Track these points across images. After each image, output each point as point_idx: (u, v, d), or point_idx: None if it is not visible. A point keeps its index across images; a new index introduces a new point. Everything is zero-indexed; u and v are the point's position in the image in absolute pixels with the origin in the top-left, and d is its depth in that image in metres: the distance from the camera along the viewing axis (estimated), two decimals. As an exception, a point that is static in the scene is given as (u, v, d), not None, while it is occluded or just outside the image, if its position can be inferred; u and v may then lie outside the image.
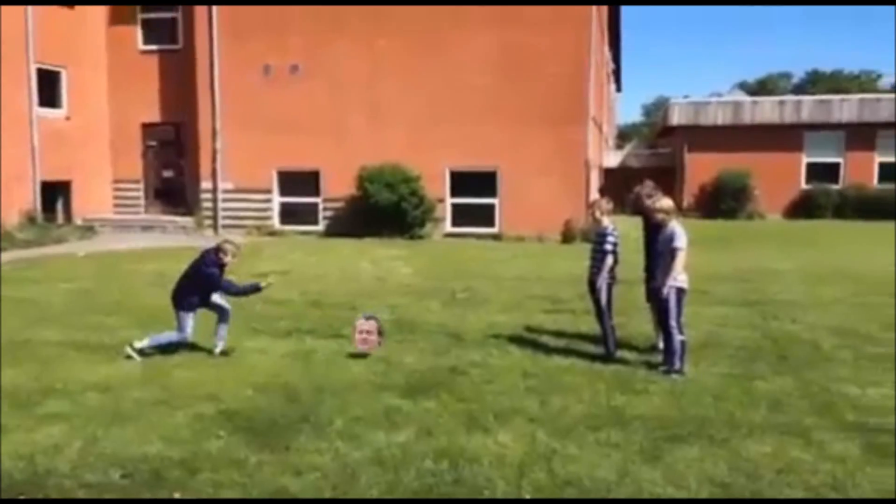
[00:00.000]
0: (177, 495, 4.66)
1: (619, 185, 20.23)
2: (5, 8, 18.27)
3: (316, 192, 20.63)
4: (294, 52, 20.02)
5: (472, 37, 19.17)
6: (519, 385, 6.74)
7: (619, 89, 49.50)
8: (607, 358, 7.56)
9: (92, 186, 21.38)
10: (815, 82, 70.33)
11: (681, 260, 7.05)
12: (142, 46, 21.76)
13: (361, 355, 7.61)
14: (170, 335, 7.70)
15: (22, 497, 4.65)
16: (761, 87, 70.19)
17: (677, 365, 7.06)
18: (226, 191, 20.87)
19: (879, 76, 72.53)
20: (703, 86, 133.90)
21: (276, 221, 20.91)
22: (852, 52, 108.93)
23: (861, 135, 28.22)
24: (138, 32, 21.76)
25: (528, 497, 4.65)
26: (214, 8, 20.28)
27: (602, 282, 7.58)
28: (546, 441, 5.42)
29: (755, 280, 12.65)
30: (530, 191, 18.89)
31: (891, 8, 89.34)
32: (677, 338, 7.07)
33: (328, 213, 20.57)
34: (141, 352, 7.52)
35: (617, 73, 43.60)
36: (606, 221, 7.64)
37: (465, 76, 19.29)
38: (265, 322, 9.18)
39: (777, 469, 4.98)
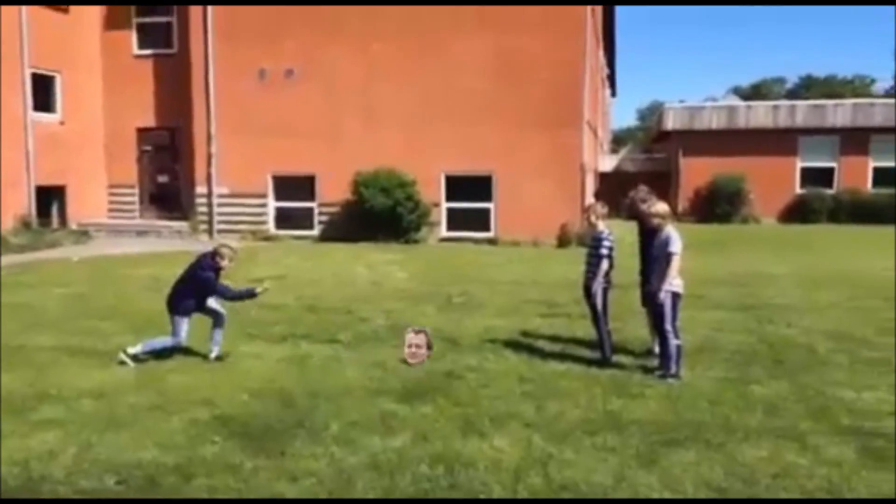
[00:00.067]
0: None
1: (614, 190, 20.32)
2: (-1, 12, 18.26)
3: (311, 197, 20.61)
4: (289, 57, 20.01)
5: (467, 41, 19.20)
6: (515, 390, 6.73)
7: (613, 94, 49.63)
8: (603, 362, 7.55)
9: (87, 191, 21.34)
10: (808, 87, 70.57)
11: (675, 264, 7.06)
12: (136, 51, 21.75)
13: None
14: (164, 340, 7.67)
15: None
16: (755, 92, 70.42)
17: (673, 369, 7.06)
18: (221, 195, 20.84)
19: (873, 81, 72.92)
20: (698, 90, 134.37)
21: (271, 226, 20.88)
22: (846, 57, 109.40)
23: (855, 139, 28.34)
24: (133, 37, 21.75)
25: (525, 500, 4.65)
26: (209, 12, 20.27)
27: (598, 286, 7.57)
28: (542, 446, 5.41)
29: (750, 284, 12.67)
30: (526, 195, 18.90)
31: (885, 12, 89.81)
32: (673, 342, 7.07)
33: (323, 218, 20.56)
34: (135, 357, 7.49)
35: (612, 78, 43.71)
36: (602, 226, 7.64)
37: (460, 80, 19.31)
38: (260, 327, 9.16)
39: (773, 473, 4.98)
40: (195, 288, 7.63)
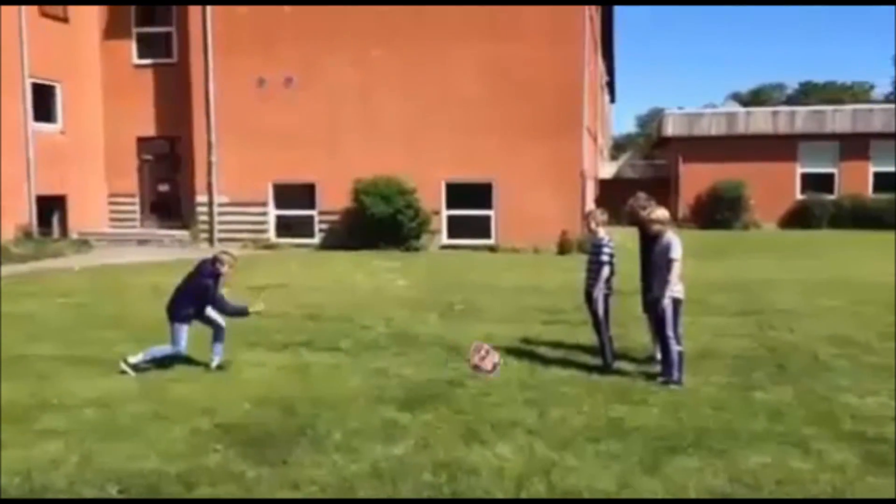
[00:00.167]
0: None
1: (614, 196, 20.29)
2: None
3: (311, 205, 20.64)
4: (288, 65, 20.06)
5: (466, 48, 19.24)
6: (517, 397, 6.71)
7: (613, 100, 49.70)
8: (605, 369, 7.54)
9: (87, 201, 21.36)
10: (808, 93, 70.65)
11: (676, 270, 7.06)
12: (136, 60, 21.80)
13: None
14: (164, 349, 7.65)
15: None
16: (755, 98, 70.50)
17: (675, 375, 7.05)
18: (221, 204, 20.86)
19: (872, 87, 72.96)
20: (697, 97, 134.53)
21: (271, 234, 20.90)
22: (845, 63, 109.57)
23: (855, 145, 28.38)
24: (133, 46, 21.80)
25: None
26: (209, 22, 20.33)
27: (598, 293, 7.57)
28: (545, 453, 5.40)
29: (752, 290, 12.66)
30: (526, 202, 18.92)
31: (885, 19, 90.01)
32: (675, 348, 7.06)
33: (324, 226, 20.58)
34: (135, 367, 7.47)
35: (611, 85, 43.78)
36: (602, 232, 7.64)
37: (460, 88, 19.35)
38: (261, 335, 9.15)
39: (776, 479, 4.97)
40: (194, 295, 7.62)
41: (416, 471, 5.10)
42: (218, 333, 7.74)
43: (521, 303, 11.51)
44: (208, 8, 20.32)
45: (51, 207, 20.33)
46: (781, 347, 8.58)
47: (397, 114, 19.62)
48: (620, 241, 8.20)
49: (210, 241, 20.59)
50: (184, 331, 7.61)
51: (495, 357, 7.50)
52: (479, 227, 19.87)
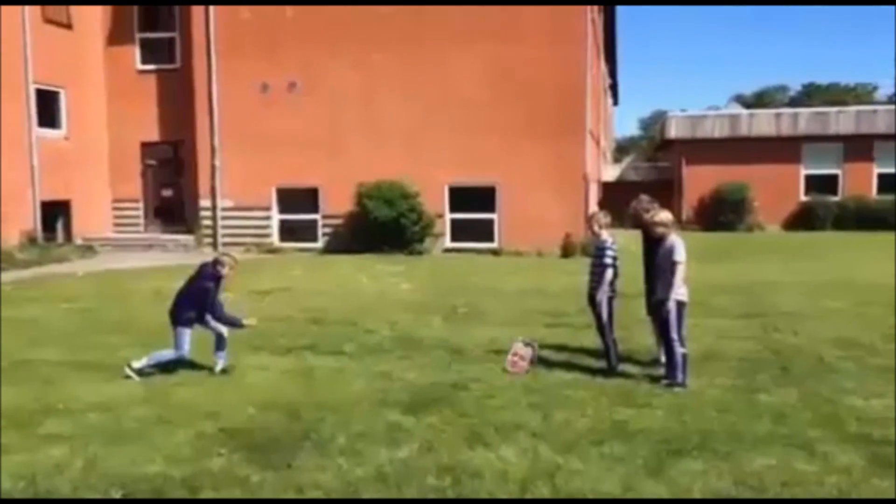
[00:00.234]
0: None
1: (617, 199, 20.27)
2: (3, 28, 18.34)
3: (315, 209, 20.66)
4: (291, 70, 20.10)
5: (469, 51, 19.26)
6: (521, 400, 6.71)
7: (616, 103, 49.69)
8: (609, 372, 7.53)
9: (91, 206, 21.41)
10: (811, 95, 70.59)
11: (681, 273, 7.05)
12: (140, 66, 21.86)
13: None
14: (167, 353, 7.66)
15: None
16: (758, 100, 70.45)
17: (679, 378, 7.04)
18: (225, 208, 20.90)
19: (876, 88, 72.86)
20: (700, 99, 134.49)
21: (275, 238, 20.93)
22: (848, 64, 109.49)
23: (859, 146, 28.33)
24: (136, 52, 21.86)
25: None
26: (212, 26, 20.38)
27: (602, 295, 7.56)
28: (549, 456, 5.39)
29: (756, 292, 12.64)
30: (529, 205, 18.92)
31: (887, 20, 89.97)
32: (679, 351, 7.05)
33: (327, 230, 20.60)
34: (140, 372, 7.48)
35: (614, 88, 43.78)
36: (605, 235, 7.64)
37: (462, 91, 19.37)
38: (265, 339, 9.15)
39: (782, 481, 4.96)
40: (196, 298, 7.63)
41: (421, 474, 5.09)
42: (219, 342, 7.72)
43: (525, 306, 11.51)
44: (211, 13, 20.38)
45: (55, 213, 20.38)
46: (786, 350, 8.56)
47: (400, 117, 19.64)
48: (624, 244, 8.20)
49: (214, 245, 20.61)
50: (186, 334, 7.61)
51: (525, 364, 7.64)
52: (483, 231, 19.87)
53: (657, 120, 52.58)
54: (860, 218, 26.92)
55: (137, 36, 21.85)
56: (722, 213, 28.14)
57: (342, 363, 8.08)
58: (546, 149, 18.97)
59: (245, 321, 7.84)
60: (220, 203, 20.85)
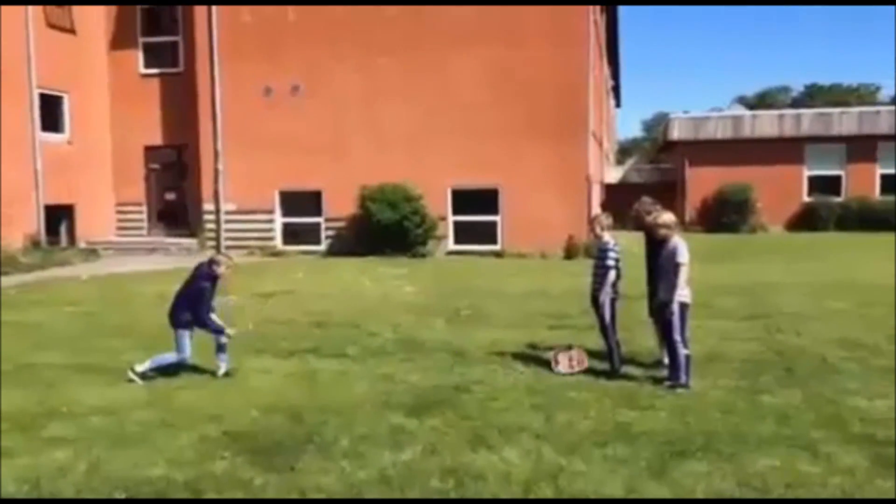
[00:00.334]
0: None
1: (620, 201, 20.28)
2: (6, 33, 18.41)
3: (318, 212, 20.68)
4: (294, 73, 20.13)
5: (471, 54, 19.28)
6: (524, 402, 6.71)
7: (618, 105, 49.71)
8: (612, 373, 7.53)
9: (95, 210, 21.46)
10: (813, 96, 70.54)
11: (684, 275, 7.05)
12: (143, 70, 21.92)
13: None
14: (168, 356, 7.65)
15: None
16: (760, 102, 70.42)
17: (682, 379, 7.04)
18: (228, 212, 20.93)
19: (878, 88, 72.83)
20: (703, 101, 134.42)
21: (278, 242, 20.94)
22: (851, 65, 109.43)
23: (862, 147, 28.30)
24: (139, 56, 21.91)
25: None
26: (214, 30, 20.43)
27: (605, 297, 7.56)
28: (552, 457, 5.39)
29: (759, 293, 12.62)
30: (532, 207, 18.92)
31: (888, 20, 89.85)
32: (682, 352, 7.05)
33: (330, 233, 20.61)
34: (143, 375, 7.49)
35: (616, 90, 43.79)
36: (607, 237, 7.63)
37: (464, 93, 19.38)
38: (268, 342, 9.17)
39: (785, 483, 4.95)
40: (193, 299, 7.62)
41: (424, 477, 5.09)
42: (220, 348, 7.70)
43: (528, 308, 11.50)
44: (214, 16, 20.43)
45: (59, 217, 20.43)
46: (789, 351, 8.55)
47: (403, 120, 19.66)
48: (626, 246, 8.19)
49: (217, 248, 20.58)
50: (186, 337, 7.62)
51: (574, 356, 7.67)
52: (486, 233, 19.87)
53: (660, 122, 52.58)
54: (863, 219, 26.88)
55: (140, 40, 21.91)
56: (725, 215, 28.12)
57: (345, 366, 8.09)
58: (548, 150, 18.97)
59: (228, 330, 7.76)
60: (224, 206, 20.88)
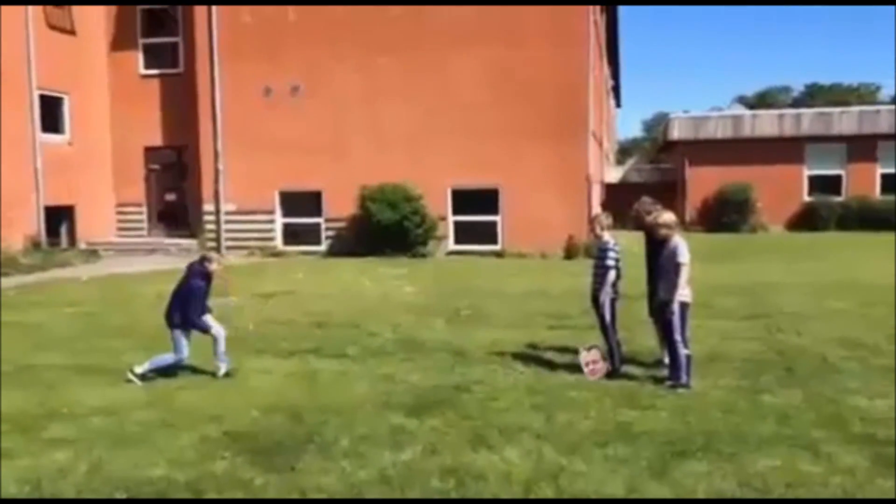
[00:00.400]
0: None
1: (620, 201, 20.28)
2: (6, 34, 18.41)
3: (318, 213, 20.67)
4: (294, 73, 20.12)
5: (471, 54, 19.27)
6: (524, 402, 6.71)
7: (618, 105, 49.71)
8: (613, 373, 7.53)
9: (95, 210, 21.46)
10: (813, 95, 70.52)
11: (685, 274, 7.05)
12: (143, 71, 21.92)
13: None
14: (167, 357, 7.65)
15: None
16: (760, 101, 70.40)
17: (683, 379, 7.03)
18: (228, 212, 20.93)
19: (878, 88, 72.82)
20: (703, 101, 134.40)
21: (279, 242, 20.94)
22: (851, 64, 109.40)
23: (862, 146, 28.28)
24: (139, 57, 21.91)
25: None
26: (214, 31, 20.42)
27: (605, 297, 7.56)
28: (553, 457, 5.39)
29: (759, 293, 12.62)
30: (532, 207, 18.91)
31: (889, 20, 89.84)
32: (682, 352, 7.05)
33: (330, 233, 20.61)
34: (142, 377, 7.48)
35: (616, 90, 43.79)
36: (607, 236, 7.63)
37: (464, 94, 19.37)
38: (269, 342, 9.17)
39: (786, 482, 4.95)
40: (188, 298, 7.61)
41: (424, 477, 5.09)
42: (216, 346, 7.71)
43: (528, 308, 11.50)
44: (214, 17, 20.43)
45: (59, 217, 20.43)
46: (790, 350, 8.54)
47: (403, 120, 19.65)
48: (626, 246, 8.19)
49: (217, 249, 20.60)
50: (182, 337, 7.61)
51: (601, 365, 7.58)
52: (486, 233, 19.86)
53: (660, 121, 52.57)
54: (863, 218, 26.85)
55: (140, 41, 21.91)
56: (725, 214, 28.09)
57: (345, 366, 8.09)
58: (549, 150, 18.97)
59: (218, 326, 7.74)
60: (224, 207, 20.87)
